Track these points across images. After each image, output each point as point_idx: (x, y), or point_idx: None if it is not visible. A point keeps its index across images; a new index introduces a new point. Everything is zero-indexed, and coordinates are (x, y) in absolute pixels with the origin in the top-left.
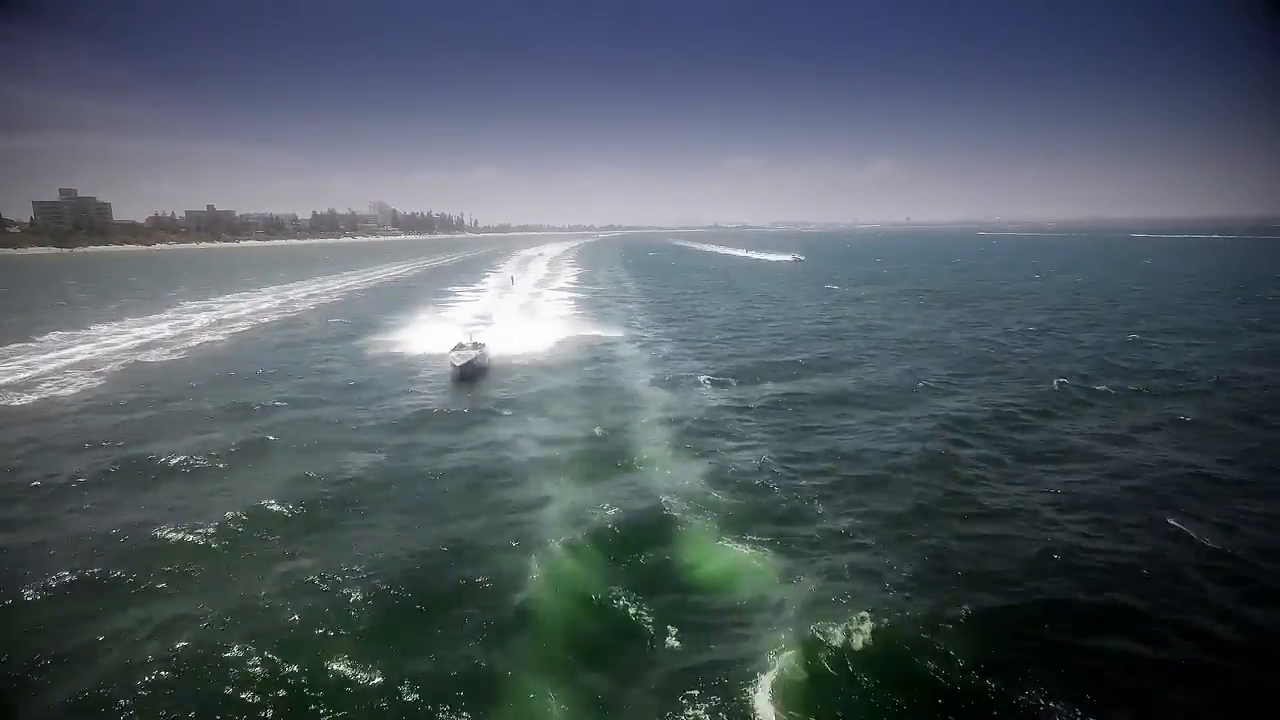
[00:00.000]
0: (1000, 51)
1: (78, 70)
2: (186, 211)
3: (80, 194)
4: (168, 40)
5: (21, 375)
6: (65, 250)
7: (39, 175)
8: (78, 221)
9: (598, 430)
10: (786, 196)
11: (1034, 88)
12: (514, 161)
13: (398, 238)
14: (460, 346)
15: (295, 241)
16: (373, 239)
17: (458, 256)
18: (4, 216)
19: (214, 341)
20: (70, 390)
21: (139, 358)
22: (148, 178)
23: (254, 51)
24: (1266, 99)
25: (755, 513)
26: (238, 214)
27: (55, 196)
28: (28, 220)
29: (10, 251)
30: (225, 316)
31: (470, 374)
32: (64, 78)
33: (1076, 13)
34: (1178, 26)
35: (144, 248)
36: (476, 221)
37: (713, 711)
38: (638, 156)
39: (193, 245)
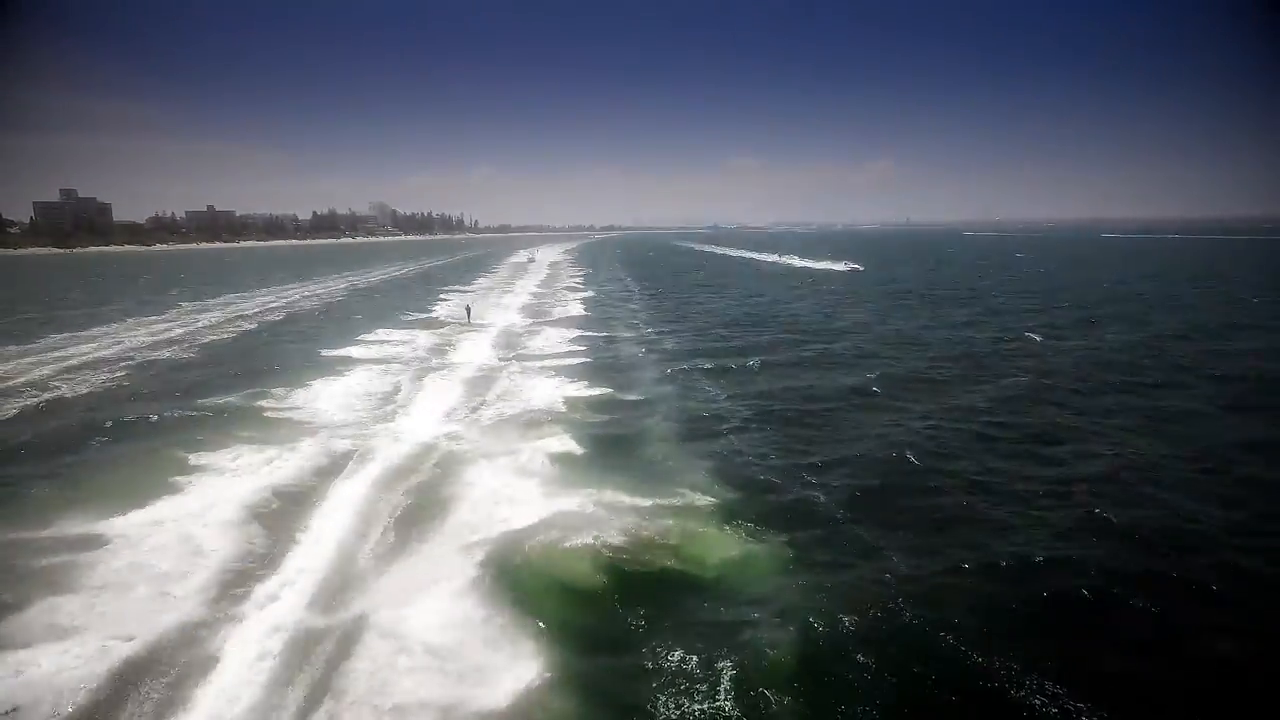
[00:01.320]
0: (1002, 50)
1: (78, 69)
2: (187, 212)
3: (81, 194)
4: (168, 39)
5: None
6: (65, 251)
7: (39, 175)
8: (78, 222)
9: None
10: (785, 196)
11: (1036, 86)
12: (513, 161)
13: (398, 238)
14: None
15: (295, 242)
16: (372, 239)
17: (443, 260)
18: (4, 217)
19: None
20: None
21: None
22: (148, 177)
23: (254, 50)
24: (1268, 97)
25: None
26: (237, 214)
27: (56, 197)
28: (28, 220)
29: (10, 252)
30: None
31: None
32: (64, 77)
33: (1078, 11)
34: (1180, 24)
35: (144, 248)
36: (476, 222)
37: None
38: (636, 156)
39: (192, 246)
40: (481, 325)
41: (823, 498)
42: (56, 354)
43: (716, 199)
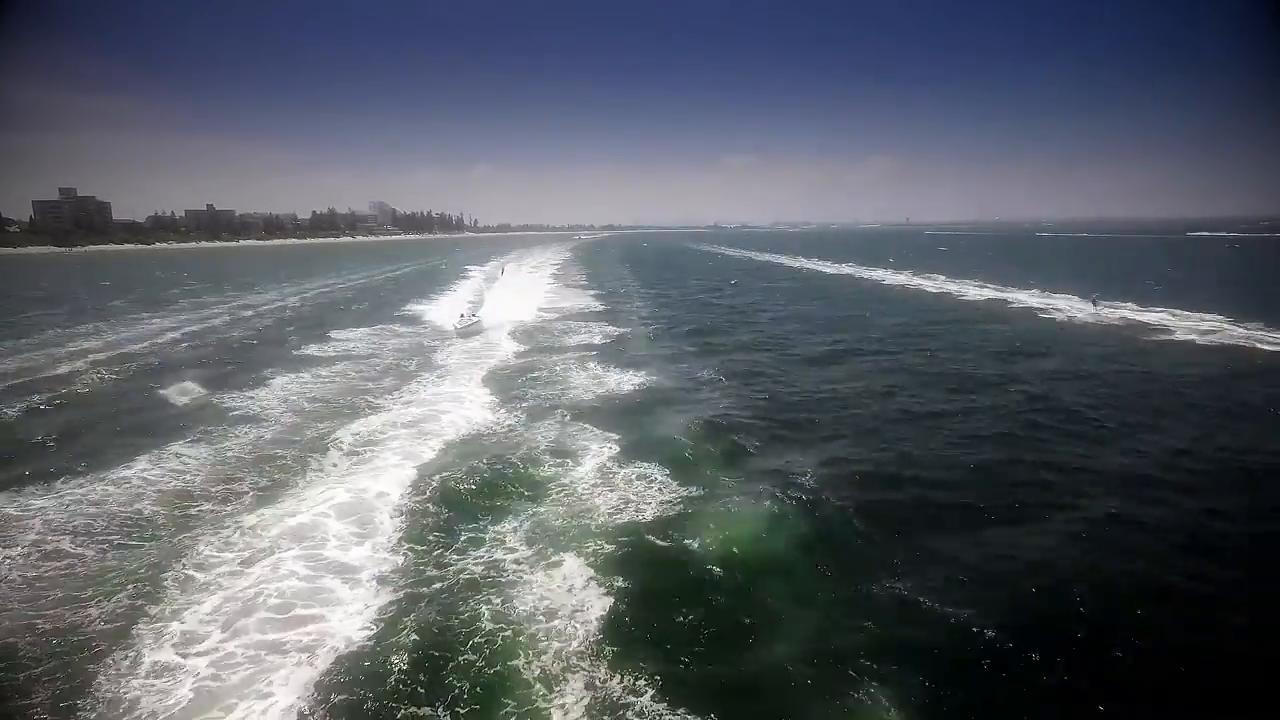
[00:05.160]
0: (1005, 47)
1: (77, 68)
2: (186, 211)
3: (80, 193)
4: (168, 37)
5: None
6: (65, 249)
7: (38, 174)
8: (78, 220)
9: None
10: (785, 194)
11: (1039, 83)
12: (512, 160)
13: (397, 237)
14: None
15: (296, 241)
16: (372, 238)
17: (413, 266)
18: (4, 216)
19: None
20: None
21: None
22: (147, 175)
23: (254, 48)
24: (1270, 96)
25: None
26: (237, 214)
27: (55, 195)
28: (27, 219)
29: (10, 250)
30: None
31: None
32: (63, 75)
33: (1085, 8)
34: (1183, 22)
35: (144, 247)
36: (476, 221)
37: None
38: (636, 155)
39: (192, 245)
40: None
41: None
42: (70, 348)
43: (716, 197)
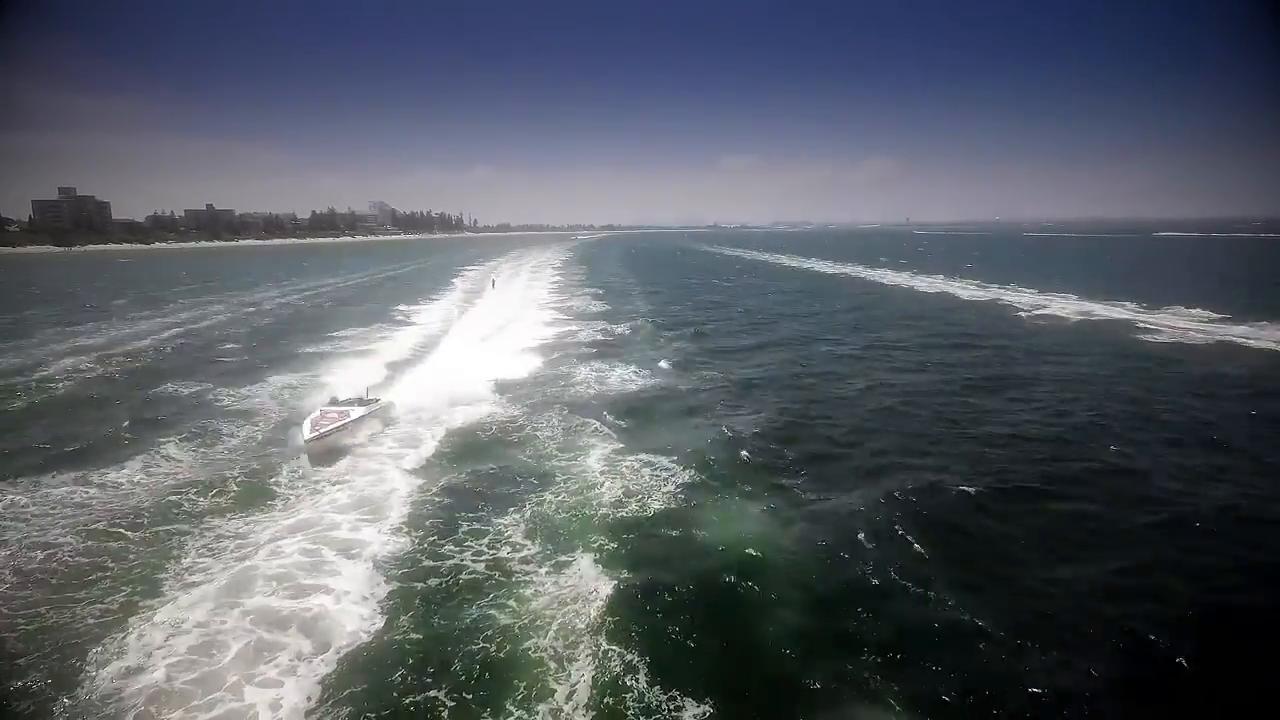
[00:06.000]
0: (1005, 47)
1: (76, 67)
2: (186, 211)
3: (79, 193)
4: (167, 37)
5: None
6: (64, 249)
7: (38, 173)
8: (77, 220)
9: None
10: (784, 195)
11: (1039, 84)
12: (512, 161)
13: (397, 236)
14: None
15: (295, 241)
16: (372, 238)
17: (413, 265)
18: (3, 215)
19: None
20: None
21: None
22: (147, 175)
23: (253, 49)
24: (1270, 96)
25: None
26: (237, 213)
27: (54, 195)
28: (26, 219)
29: (9, 250)
30: None
31: None
32: (62, 75)
33: (1084, 8)
34: (1183, 22)
35: (143, 246)
36: (476, 221)
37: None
38: (636, 155)
39: (192, 244)
40: None
41: None
42: (67, 345)
43: (715, 198)
